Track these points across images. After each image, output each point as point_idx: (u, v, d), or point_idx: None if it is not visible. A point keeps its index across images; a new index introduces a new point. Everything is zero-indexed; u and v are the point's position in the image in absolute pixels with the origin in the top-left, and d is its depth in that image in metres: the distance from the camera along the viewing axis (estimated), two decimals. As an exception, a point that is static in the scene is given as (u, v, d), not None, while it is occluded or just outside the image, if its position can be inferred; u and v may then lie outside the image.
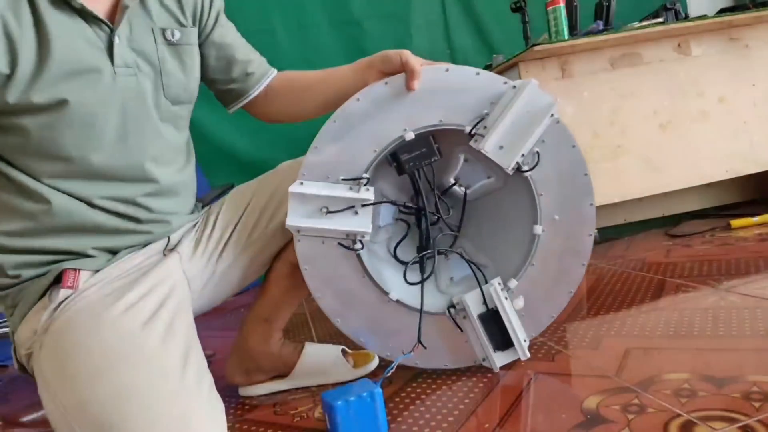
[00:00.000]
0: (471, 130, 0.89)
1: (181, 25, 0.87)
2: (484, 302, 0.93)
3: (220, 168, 2.15)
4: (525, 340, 0.95)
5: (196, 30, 0.90)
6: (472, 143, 0.89)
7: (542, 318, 0.98)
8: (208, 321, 1.81)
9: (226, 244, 0.96)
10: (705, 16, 1.84)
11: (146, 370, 0.67)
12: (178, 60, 0.86)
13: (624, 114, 1.78)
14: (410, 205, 0.99)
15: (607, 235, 2.05)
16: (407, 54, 0.87)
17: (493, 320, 0.93)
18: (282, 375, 1.08)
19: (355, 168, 0.89)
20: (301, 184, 0.88)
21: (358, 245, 0.90)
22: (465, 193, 1.00)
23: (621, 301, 1.28)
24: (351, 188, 0.88)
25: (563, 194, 0.93)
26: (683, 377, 0.86)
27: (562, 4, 1.71)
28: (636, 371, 0.91)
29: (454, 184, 1.01)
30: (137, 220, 0.85)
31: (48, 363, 0.71)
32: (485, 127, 0.88)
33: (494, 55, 1.97)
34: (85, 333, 0.70)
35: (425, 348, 0.95)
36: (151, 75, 0.82)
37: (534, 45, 1.62)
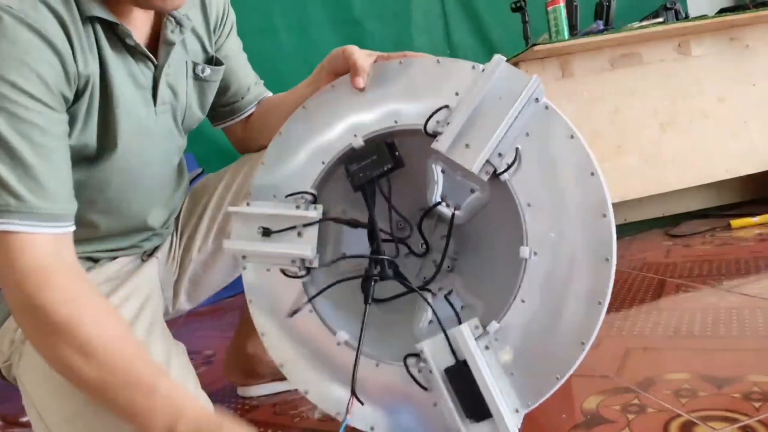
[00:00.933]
0: (425, 126, 0.71)
1: (207, 53, 0.83)
2: (453, 352, 0.69)
3: (220, 167, 2.15)
4: (516, 410, 0.67)
5: (222, 69, 0.86)
6: (433, 145, 0.71)
7: (542, 379, 0.68)
8: (207, 321, 1.81)
9: (191, 242, 0.93)
10: (705, 16, 1.84)
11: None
12: (199, 95, 0.84)
13: (624, 114, 1.78)
14: (358, 221, 0.80)
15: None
16: (351, 49, 0.75)
17: (465, 377, 0.68)
18: (281, 377, 1.08)
19: (305, 184, 0.77)
20: (248, 204, 0.78)
21: (302, 272, 0.76)
22: (452, 216, 0.78)
23: (621, 301, 1.28)
24: (298, 207, 0.75)
25: (561, 204, 0.68)
26: (683, 377, 0.86)
27: (562, 4, 1.71)
28: (636, 371, 0.90)
29: (437, 205, 0.79)
30: (135, 246, 0.85)
31: (28, 376, 0.68)
32: (448, 123, 0.70)
33: (494, 55, 1.96)
34: None
35: (362, 404, 0.74)
36: (178, 110, 0.80)
37: (534, 45, 1.61)
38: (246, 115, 0.97)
